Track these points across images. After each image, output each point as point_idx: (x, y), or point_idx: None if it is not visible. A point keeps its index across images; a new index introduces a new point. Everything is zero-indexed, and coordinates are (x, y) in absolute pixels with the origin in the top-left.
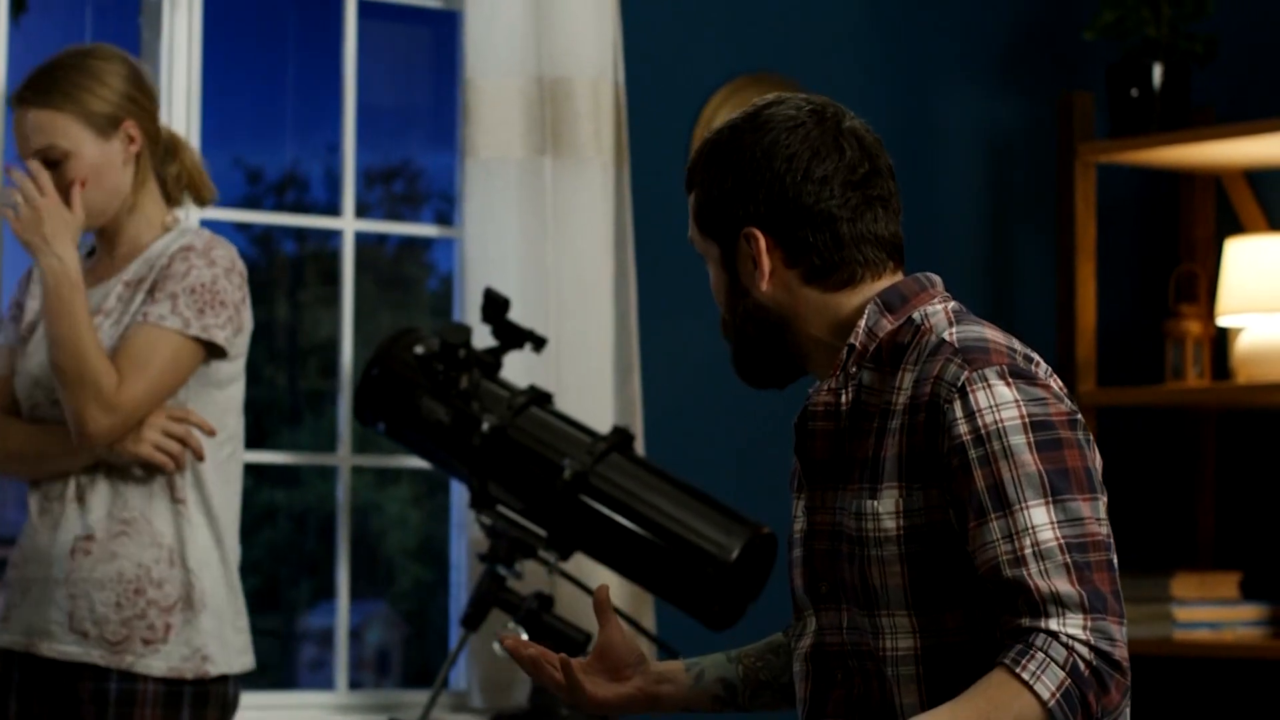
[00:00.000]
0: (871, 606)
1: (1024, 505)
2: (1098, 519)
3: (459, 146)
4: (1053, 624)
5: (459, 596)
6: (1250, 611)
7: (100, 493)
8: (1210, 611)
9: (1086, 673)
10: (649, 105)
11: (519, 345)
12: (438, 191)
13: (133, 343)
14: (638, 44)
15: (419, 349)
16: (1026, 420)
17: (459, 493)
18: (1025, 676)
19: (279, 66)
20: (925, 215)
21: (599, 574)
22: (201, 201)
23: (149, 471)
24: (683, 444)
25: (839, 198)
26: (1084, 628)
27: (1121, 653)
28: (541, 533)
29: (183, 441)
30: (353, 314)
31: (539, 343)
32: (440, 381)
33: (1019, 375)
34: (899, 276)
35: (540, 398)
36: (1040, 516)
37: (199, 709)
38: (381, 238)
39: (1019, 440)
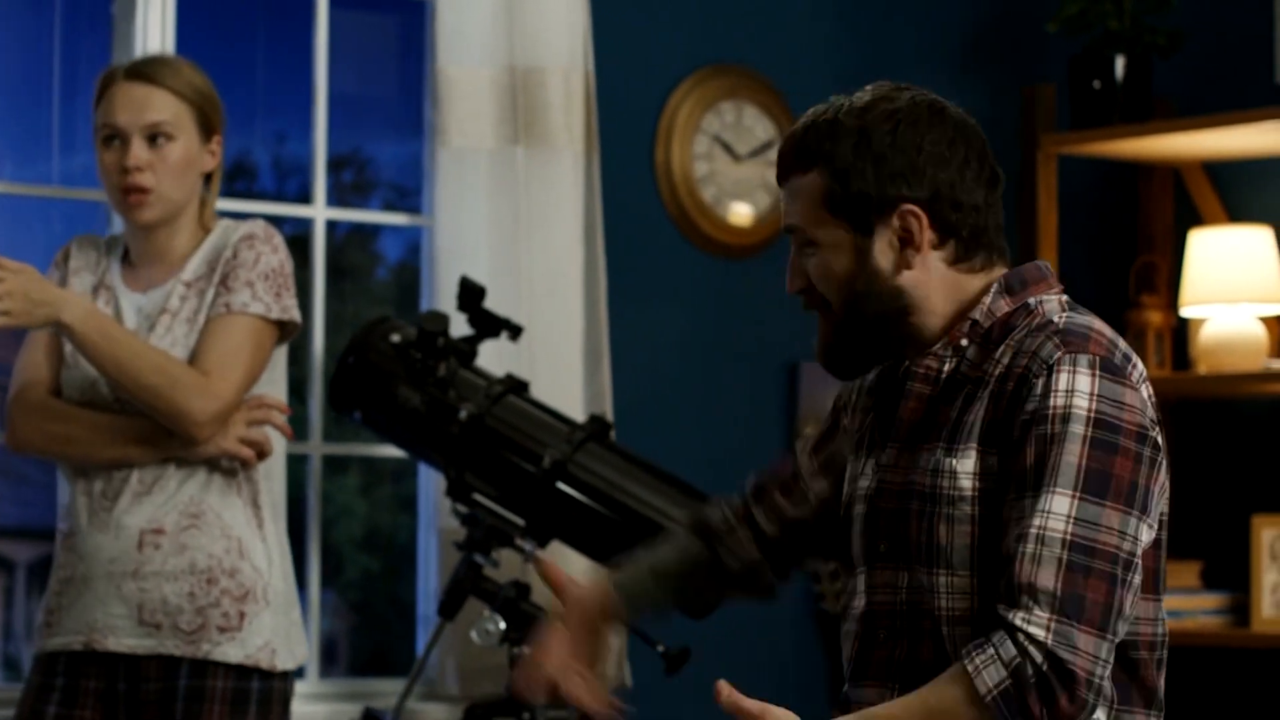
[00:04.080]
0: (933, 564)
1: (1050, 490)
2: (1122, 533)
3: (429, 135)
4: (1017, 617)
5: (428, 585)
6: (1211, 600)
7: (167, 487)
8: (1171, 601)
9: (1032, 676)
10: (616, 95)
11: (495, 334)
12: (386, 180)
13: (221, 332)
14: (604, 33)
15: (395, 337)
16: (1093, 414)
17: (426, 481)
18: (969, 668)
19: (243, 57)
20: None
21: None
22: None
23: (217, 464)
24: (652, 432)
25: (983, 187)
26: (1046, 628)
27: (1083, 664)
28: (519, 521)
29: (252, 443)
30: (324, 302)
31: (515, 331)
32: (418, 370)
33: (1109, 370)
34: (1007, 263)
35: (517, 386)
36: (1060, 506)
37: (264, 708)
38: (331, 224)
39: (1077, 430)
